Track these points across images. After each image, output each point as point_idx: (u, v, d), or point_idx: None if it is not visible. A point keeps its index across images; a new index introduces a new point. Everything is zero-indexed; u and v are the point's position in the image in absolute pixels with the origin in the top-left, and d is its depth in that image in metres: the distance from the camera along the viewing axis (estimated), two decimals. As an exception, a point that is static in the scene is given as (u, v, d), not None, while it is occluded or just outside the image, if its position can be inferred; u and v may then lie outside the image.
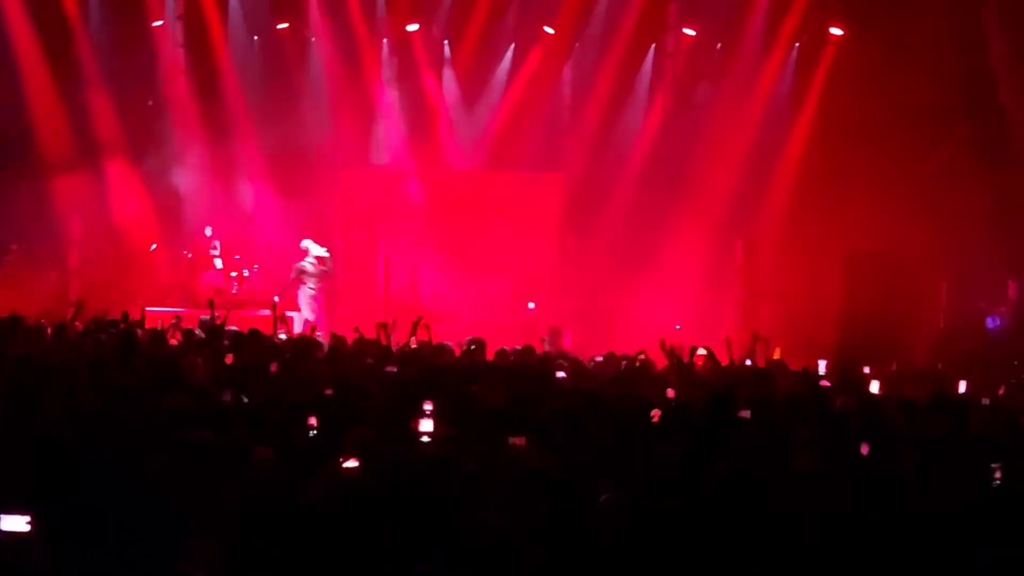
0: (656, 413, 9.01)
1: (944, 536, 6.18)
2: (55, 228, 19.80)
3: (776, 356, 14.20)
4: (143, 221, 20.47)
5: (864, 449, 7.99)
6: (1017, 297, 17.96)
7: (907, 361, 16.46)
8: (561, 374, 11.34)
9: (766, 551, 5.85)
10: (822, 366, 12.45)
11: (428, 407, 8.15)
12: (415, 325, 13.38)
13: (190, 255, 20.13)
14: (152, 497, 6.07)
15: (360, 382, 9.76)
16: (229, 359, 10.87)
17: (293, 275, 19.09)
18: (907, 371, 14.56)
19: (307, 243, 19.21)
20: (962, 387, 12.00)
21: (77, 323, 13.06)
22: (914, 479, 7.37)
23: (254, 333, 12.85)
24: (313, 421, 7.86)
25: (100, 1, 20.28)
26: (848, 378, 12.25)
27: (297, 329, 16.85)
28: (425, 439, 7.52)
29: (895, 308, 18.33)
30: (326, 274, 19.18)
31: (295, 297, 19.03)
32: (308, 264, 19.06)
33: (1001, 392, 12.07)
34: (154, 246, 20.38)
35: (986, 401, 11.24)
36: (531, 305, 20.08)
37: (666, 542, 5.91)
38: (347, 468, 6.59)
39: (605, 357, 13.04)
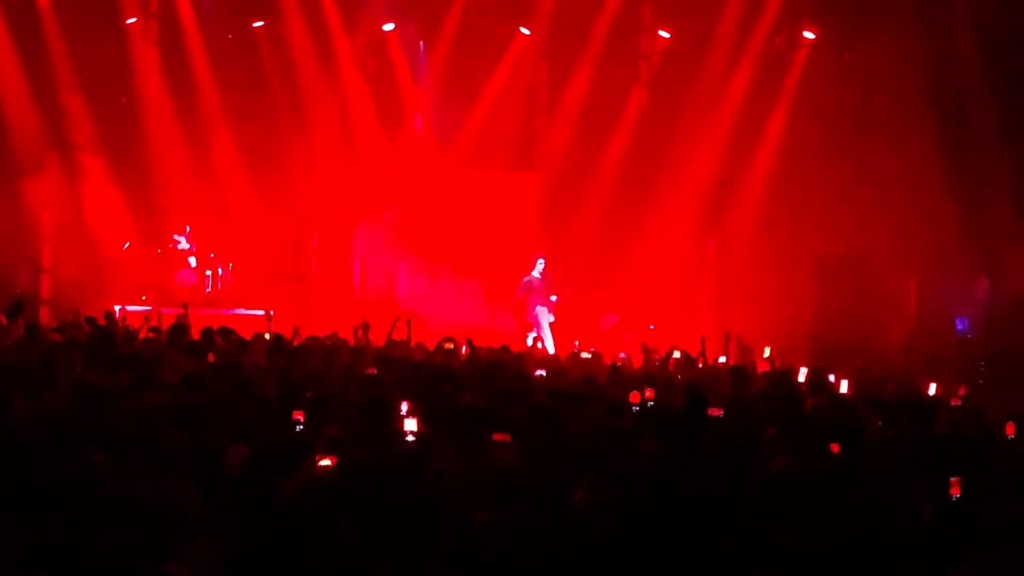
0: (634, 396, 9.18)
1: (917, 534, 6.27)
2: (28, 226, 19.66)
3: (765, 356, 14.33)
4: (116, 219, 20.37)
5: (834, 448, 8.05)
6: (986, 295, 18.13)
7: (878, 362, 16.58)
8: (540, 372, 11.42)
9: (742, 550, 5.91)
10: (803, 373, 12.50)
11: (404, 407, 8.17)
12: (394, 324, 13.40)
13: (160, 251, 20.10)
14: (129, 497, 6.07)
15: (337, 382, 9.79)
16: (211, 358, 10.86)
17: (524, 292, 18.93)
18: (877, 372, 14.66)
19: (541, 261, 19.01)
20: (932, 389, 12.09)
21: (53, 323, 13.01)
22: (885, 478, 7.46)
23: (225, 331, 12.84)
24: (300, 416, 7.85)
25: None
26: (819, 379, 12.32)
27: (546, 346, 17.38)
28: (410, 439, 7.54)
29: (866, 310, 18.48)
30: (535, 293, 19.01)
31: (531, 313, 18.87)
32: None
33: (962, 392, 12.16)
34: (127, 244, 20.28)
35: (956, 402, 11.34)
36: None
37: (642, 540, 5.96)
38: (322, 466, 6.59)
39: (591, 355, 13.14)
